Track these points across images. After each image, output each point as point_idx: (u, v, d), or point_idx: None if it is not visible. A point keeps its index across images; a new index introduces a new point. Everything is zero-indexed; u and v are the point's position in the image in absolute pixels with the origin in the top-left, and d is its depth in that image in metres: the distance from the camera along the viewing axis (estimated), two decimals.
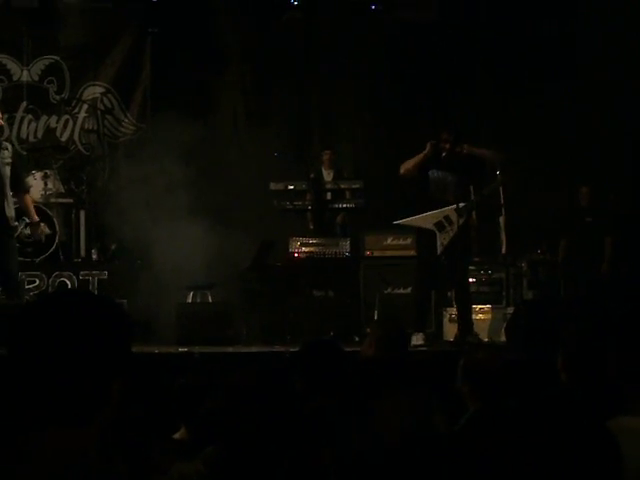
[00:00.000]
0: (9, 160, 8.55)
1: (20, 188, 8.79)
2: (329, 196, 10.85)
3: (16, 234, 8.92)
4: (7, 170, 8.48)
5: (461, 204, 9.06)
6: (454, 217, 9.07)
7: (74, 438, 1.79)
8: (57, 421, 1.79)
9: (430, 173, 9.16)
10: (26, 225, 10.50)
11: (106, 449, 1.84)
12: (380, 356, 4.47)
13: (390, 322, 8.40)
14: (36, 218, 8.94)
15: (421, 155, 9.09)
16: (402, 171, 9.25)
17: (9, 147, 8.70)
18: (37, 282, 10.47)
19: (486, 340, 9.52)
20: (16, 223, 8.74)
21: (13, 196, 8.67)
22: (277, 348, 8.69)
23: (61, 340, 1.79)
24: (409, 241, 10.38)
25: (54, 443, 1.78)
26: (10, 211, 8.48)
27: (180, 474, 2.37)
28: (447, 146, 9.05)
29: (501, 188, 9.78)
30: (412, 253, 10.06)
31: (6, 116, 12.34)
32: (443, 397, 4.46)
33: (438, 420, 2.78)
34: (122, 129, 12.76)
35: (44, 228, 9.06)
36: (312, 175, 11.03)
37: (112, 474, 1.78)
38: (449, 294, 9.90)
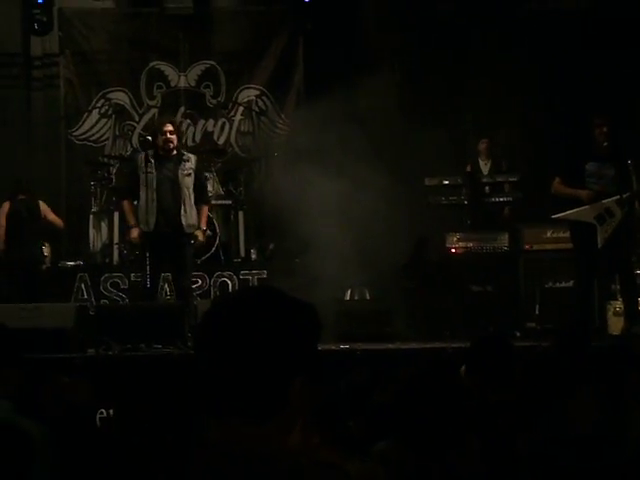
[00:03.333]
0: (190, 172, 8.91)
1: (200, 199, 9.11)
2: (486, 190, 10.74)
3: (193, 241, 9.16)
4: (187, 180, 8.86)
5: (624, 195, 8.78)
6: (615, 209, 8.80)
7: (256, 434, 1.80)
8: (240, 416, 1.80)
9: (587, 166, 8.89)
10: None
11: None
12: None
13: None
14: (203, 227, 9.22)
15: (575, 196, 8.89)
16: (553, 191, 9.10)
17: (192, 159, 9.04)
18: (199, 282, 10.71)
19: None
20: (193, 230, 8.98)
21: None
22: (437, 344, 8.63)
23: (249, 336, 1.80)
24: (569, 234, 10.14)
25: (236, 438, 1.79)
26: (187, 219, 8.83)
27: (356, 474, 2.37)
28: (604, 130, 8.75)
29: None
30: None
31: None
32: (611, 393, 4.34)
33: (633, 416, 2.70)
34: (277, 130, 12.92)
35: (203, 238, 9.32)
36: (468, 168, 10.92)
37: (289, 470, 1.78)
38: (612, 287, 9.62)
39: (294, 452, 1.82)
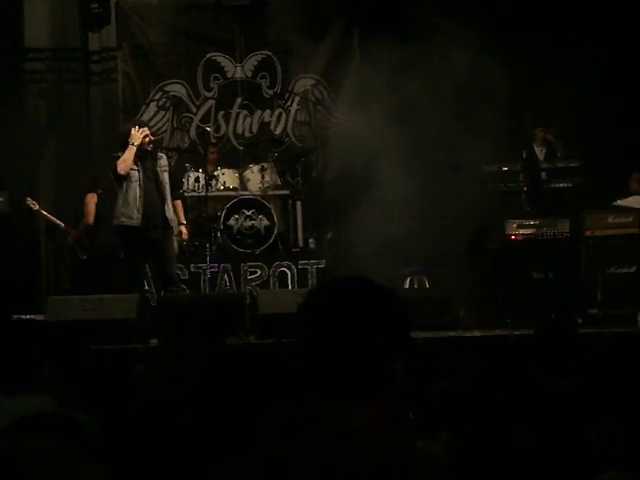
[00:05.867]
0: (166, 168, 9.27)
1: (175, 195, 9.45)
2: (544, 176, 10.63)
3: (177, 236, 9.54)
4: (165, 177, 9.18)
5: None
6: None
7: (359, 413, 1.88)
8: (344, 397, 1.88)
9: None
10: (245, 218, 10.85)
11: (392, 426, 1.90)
12: None
13: None
14: (183, 221, 9.55)
15: None
16: (630, 189, 9.06)
17: (164, 157, 9.42)
18: (258, 272, 10.76)
19: None
20: (173, 224, 9.21)
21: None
22: (499, 332, 8.58)
23: (349, 320, 1.89)
24: (631, 219, 10.03)
25: (338, 417, 1.87)
26: (170, 213, 9.13)
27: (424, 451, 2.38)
28: None
29: None
30: (635, 231, 9.73)
31: (222, 112, 12.82)
32: None
33: None
34: (333, 119, 12.91)
35: (187, 233, 9.63)
36: (524, 155, 10.83)
37: (387, 449, 1.84)
38: None
39: (392, 433, 1.90)
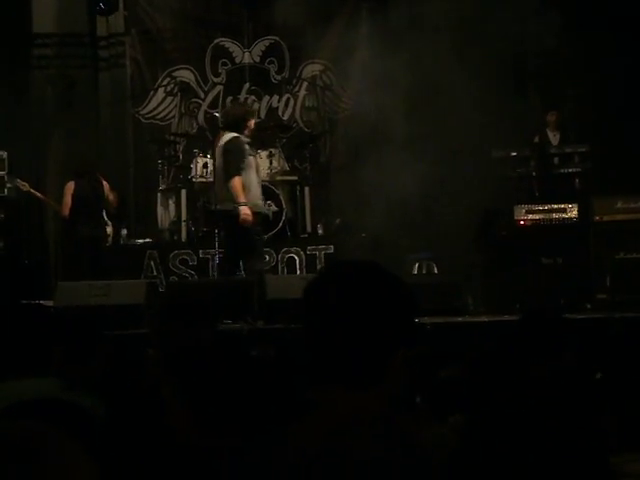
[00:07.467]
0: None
1: None
2: (555, 161, 10.60)
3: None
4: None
5: None
6: None
7: (359, 399, 1.87)
8: (344, 382, 1.88)
9: None
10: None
11: (393, 412, 1.90)
12: None
13: None
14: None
15: None
16: None
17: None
18: (267, 258, 10.75)
19: None
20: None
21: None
22: (507, 317, 8.56)
23: (351, 304, 1.88)
24: None
25: (339, 402, 1.87)
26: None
27: (430, 437, 2.37)
28: None
29: None
30: None
31: (230, 98, 12.80)
32: None
33: None
34: (341, 105, 12.90)
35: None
36: (536, 139, 10.78)
37: (387, 436, 1.84)
38: None
39: (390, 420, 1.89)
